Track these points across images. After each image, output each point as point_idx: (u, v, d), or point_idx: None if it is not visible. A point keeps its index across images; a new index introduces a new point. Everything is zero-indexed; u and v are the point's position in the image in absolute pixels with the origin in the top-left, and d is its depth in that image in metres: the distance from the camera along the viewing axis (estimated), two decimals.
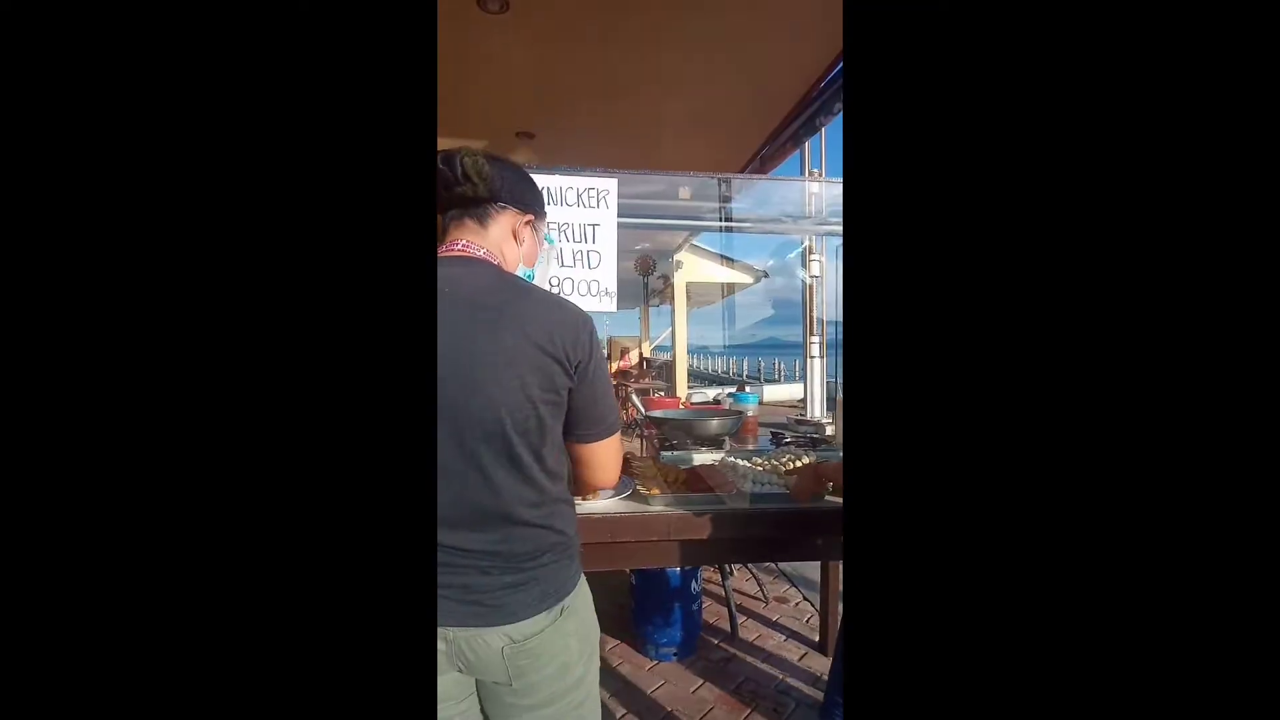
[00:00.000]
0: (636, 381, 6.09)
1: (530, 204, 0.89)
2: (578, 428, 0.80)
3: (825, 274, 2.46)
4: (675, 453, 1.62)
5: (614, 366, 7.42)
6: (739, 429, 1.82)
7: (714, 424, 1.70)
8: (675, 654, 1.97)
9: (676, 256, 4.58)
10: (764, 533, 1.23)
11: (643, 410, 1.76)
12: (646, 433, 1.83)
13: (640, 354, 7.13)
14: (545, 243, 1.01)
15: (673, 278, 4.70)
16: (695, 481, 1.40)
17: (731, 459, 1.55)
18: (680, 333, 5.07)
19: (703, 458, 1.63)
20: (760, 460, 1.58)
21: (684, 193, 2.02)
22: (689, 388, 4.80)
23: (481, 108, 2.51)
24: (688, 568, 1.97)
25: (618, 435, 0.87)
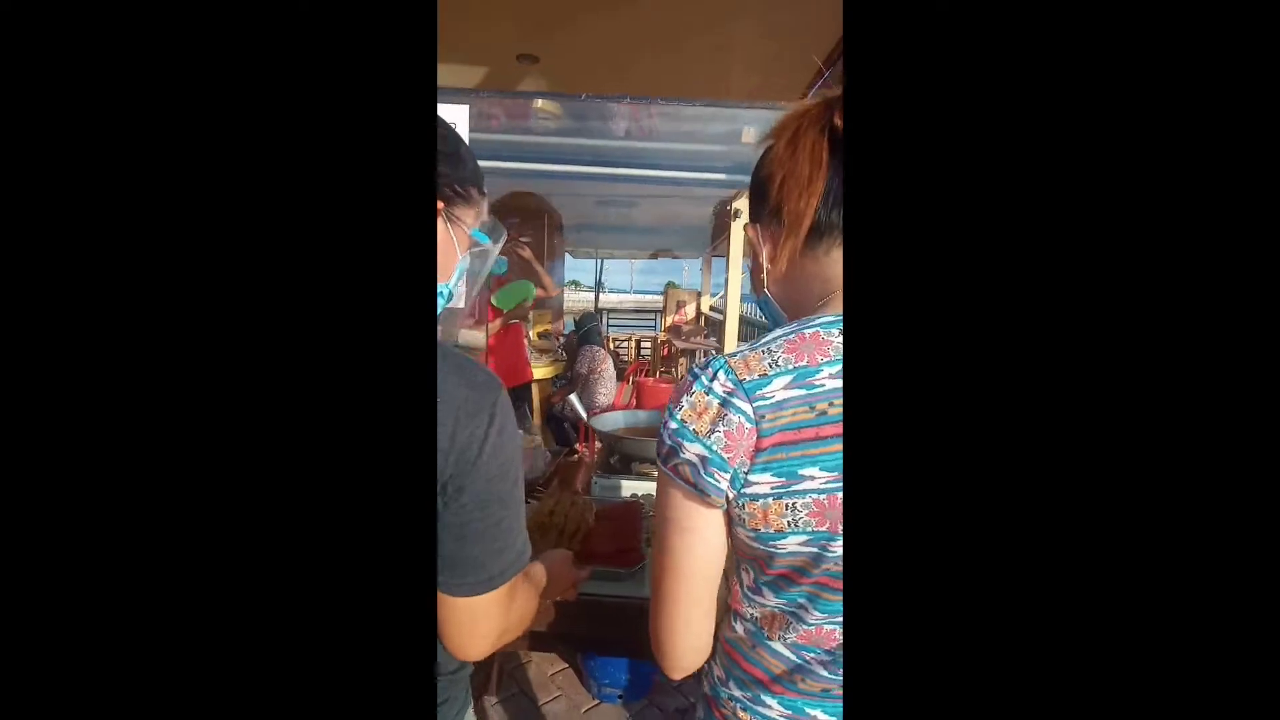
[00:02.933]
0: (685, 340, 5.66)
1: (452, 177, 0.54)
2: (440, 569, 0.50)
3: None
4: (611, 480, 1.25)
5: (667, 320, 6.99)
6: None
7: None
8: (620, 696, 1.67)
9: (735, 204, 4.01)
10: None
11: (583, 414, 1.37)
12: (581, 450, 1.45)
13: (698, 308, 6.62)
14: (477, 241, 0.62)
15: (729, 228, 4.14)
16: (603, 532, 1.00)
17: None
18: (735, 288, 4.54)
19: (646, 487, 1.24)
20: None
21: (748, 135, 1.64)
22: (739, 343, 4.36)
23: (479, 24, 2.05)
24: None
25: (505, 590, 0.52)
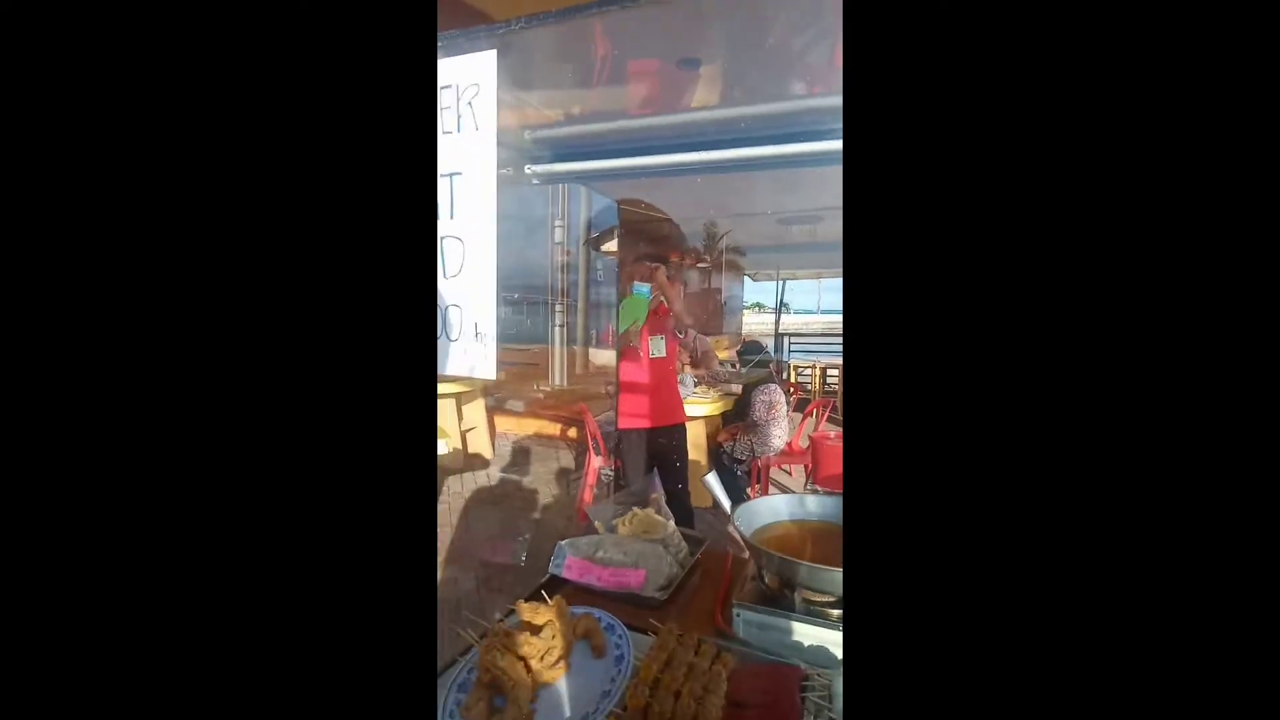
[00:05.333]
0: None
1: None
2: None
3: None
4: (759, 614, 0.88)
5: None
6: None
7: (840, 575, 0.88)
8: None
9: None
10: None
11: (729, 510, 1.02)
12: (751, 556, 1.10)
13: None
14: None
15: None
16: None
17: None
18: None
19: (817, 634, 0.85)
20: None
21: None
22: None
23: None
24: None
25: None
